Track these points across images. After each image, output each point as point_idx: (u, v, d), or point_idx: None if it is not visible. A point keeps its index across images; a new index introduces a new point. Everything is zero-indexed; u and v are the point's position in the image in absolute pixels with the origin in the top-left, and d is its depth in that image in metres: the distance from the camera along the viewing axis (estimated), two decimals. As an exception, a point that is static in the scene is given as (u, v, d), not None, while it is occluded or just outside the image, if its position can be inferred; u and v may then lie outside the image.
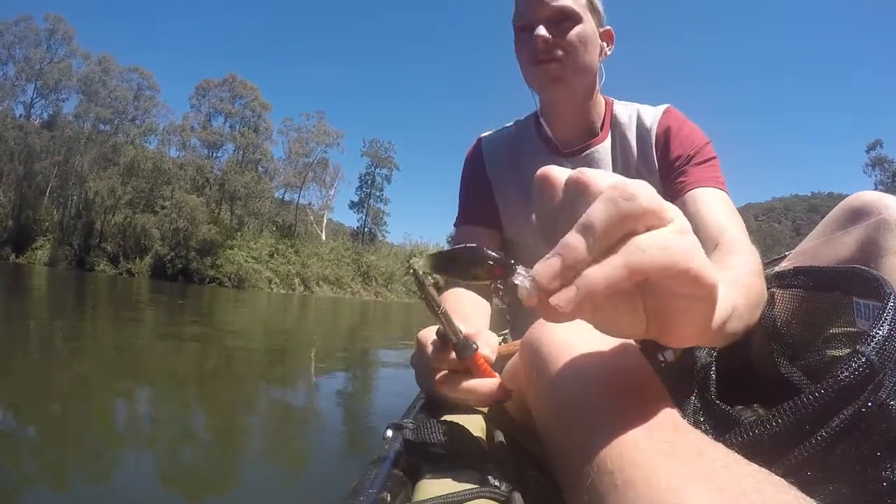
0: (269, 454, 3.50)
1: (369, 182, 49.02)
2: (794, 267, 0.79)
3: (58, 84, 34.80)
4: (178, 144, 38.40)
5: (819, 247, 0.92)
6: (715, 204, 0.98)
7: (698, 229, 0.90)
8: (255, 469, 3.19)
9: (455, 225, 1.28)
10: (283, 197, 43.97)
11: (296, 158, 42.67)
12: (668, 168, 1.09)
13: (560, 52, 1.03)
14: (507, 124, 1.28)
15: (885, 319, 0.53)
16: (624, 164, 1.14)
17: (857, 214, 0.87)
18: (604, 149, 1.15)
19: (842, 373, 0.49)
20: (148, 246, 31.91)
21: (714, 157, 1.08)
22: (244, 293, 27.15)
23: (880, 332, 0.52)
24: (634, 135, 1.15)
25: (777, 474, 0.36)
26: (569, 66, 1.04)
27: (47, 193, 32.85)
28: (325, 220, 46.04)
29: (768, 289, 0.75)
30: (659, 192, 0.99)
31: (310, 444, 3.75)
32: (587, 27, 1.04)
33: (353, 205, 49.49)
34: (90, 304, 12.11)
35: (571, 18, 1.03)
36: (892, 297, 0.55)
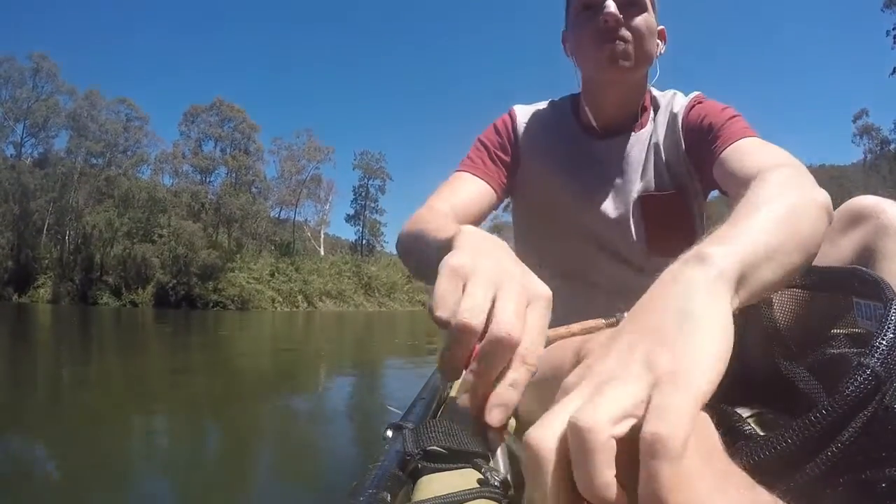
0: (271, 456, 3.61)
1: (363, 194, 49.24)
2: None
3: (46, 121, 34.84)
4: (171, 172, 38.61)
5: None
6: (741, 155, 0.89)
7: (737, 189, 0.82)
8: (257, 470, 3.28)
9: (455, 171, 1.15)
10: (278, 215, 44.17)
11: (288, 176, 42.91)
12: (697, 145, 1.05)
13: (627, 34, 1.00)
14: (541, 102, 1.23)
15: (888, 328, 0.51)
16: (657, 152, 1.12)
17: (856, 219, 0.86)
18: (642, 136, 1.13)
19: (847, 388, 0.49)
20: (149, 275, 31.95)
21: (738, 115, 1.03)
22: (248, 314, 27.21)
23: (884, 343, 0.50)
24: (666, 121, 1.14)
25: (787, 488, 0.35)
26: (632, 50, 1.02)
27: (44, 231, 32.90)
28: (322, 236, 46.16)
29: None
30: (689, 176, 1.04)
31: (311, 446, 3.85)
32: (650, 18, 1.03)
33: (349, 218, 49.69)
34: (96, 340, 12.15)
35: (637, 5, 1.01)
36: (893, 303, 0.54)
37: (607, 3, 0.98)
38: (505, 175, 1.14)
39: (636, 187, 1.11)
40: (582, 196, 1.11)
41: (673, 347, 0.35)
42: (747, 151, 0.88)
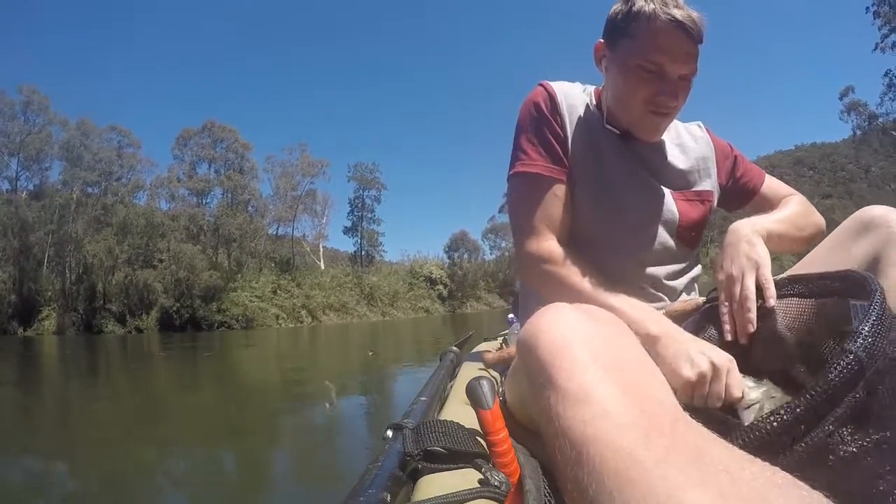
0: (273, 457, 3.66)
1: (359, 205, 49.14)
2: (787, 276, 0.88)
3: (40, 154, 34.81)
4: (167, 196, 38.61)
5: (827, 257, 0.96)
6: (773, 186, 1.29)
7: (773, 206, 1.23)
8: (258, 470, 3.33)
9: (521, 169, 1.10)
10: (276, 232, 44.12)
11: (284, 193, 42.83)
12: (728, 168, 1.25)
13: (676, 105, 1.04)
14: (571, 84, 1.19)
15: (871, 316, 0.53)
16: (680, 159, 1.20)
17: (866, 227, 0.91)
18: (663, 146, 1.19)
19: (831, 373, 0.49)
20: (152, 300, 31.95)
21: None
22: (254, 332, 27.24)
23: (866, 329, 0.51)
24: (691, 140, 1.23)
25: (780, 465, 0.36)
26: (672, 119, 1.10)
27: (45, 263, 32.86)
28: (321, 249, 46.14)
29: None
30: (712, 183, 1.24)
31: (311, 446, 3.90)
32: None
33: (346, 230, 49.54)
34: (104, 368, 12.22)
35: (693, 72, 1.02)
36: (877, 292, 0.57)
37: (672, 84, 1.01)
38: (567, 160, 1.10)
39: (668, 184, 1.16)
40: (619, 194, 1.11)
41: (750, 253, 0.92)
42: (773, 186, 1.29)
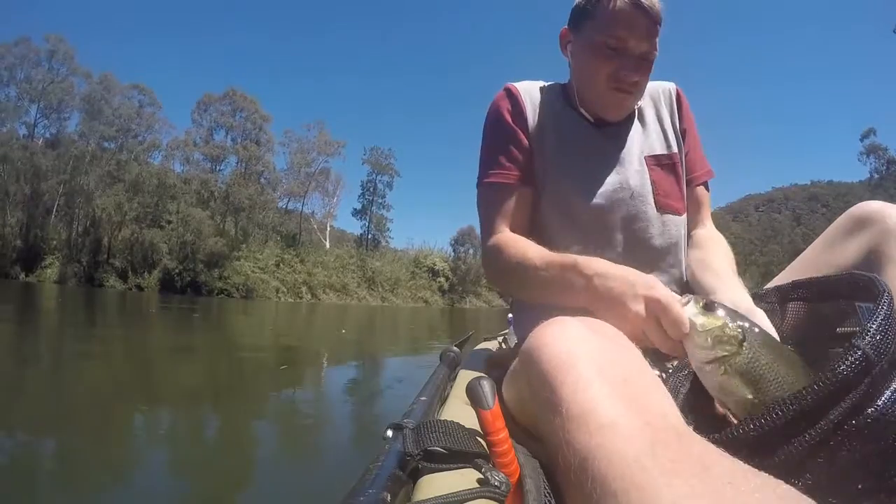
0: (272, 456, 3.64)
1: (371, 189, 49.38)
2: (791, 281, 0.84)
3: (60, 103, 35.03)
4: (182, 159, 38.92)
5: (822, 255, 0.93)
6: (706, 200, 1.22)
7: (699, 221, 1.20)
8: (258, 469, 3.32)
9: (486, 180, 1.14)
10: (286, 206, 44.38)
11: (297, 168, 43.03)
12: (686, 143, 1.20)
13: (639, 81, 1.06)
14: (534, 82, 1.21)
15: (879, 314, 0.54)
16: (647, 138, 1.17)
17: (862, 223, 0.88)
18: (633, 124, 1.17)
19: (839, 366, 0.49)
20: (156, 260, 32.22)
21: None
22: (252, 303, 27.36)
23: (874, 326, 0.52)
24: (662, 101, 1.21)
25: (781, 466, 0.37)
26: (636, 98, 1.11)
27: (54, 212, 33.14)
28: (328, 228, 46.32)
29: (770, 304, 0.85)
30: (679, 147, 1.17)
31: (311, 446, 3.89)
32: (656, 53, 1.07)
33: (355, 212, 49.87)
34: (101, 320, 12.33)
35: (653, 50, 1.05)
36: (884, 293, 0.57)
37: (632, 60, 1.03)
38: (530, 162, 1.12)
39: (640, 158, 1.14)
40: (592, 178, 1.10)
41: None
42: (706, 200, 1.22)
